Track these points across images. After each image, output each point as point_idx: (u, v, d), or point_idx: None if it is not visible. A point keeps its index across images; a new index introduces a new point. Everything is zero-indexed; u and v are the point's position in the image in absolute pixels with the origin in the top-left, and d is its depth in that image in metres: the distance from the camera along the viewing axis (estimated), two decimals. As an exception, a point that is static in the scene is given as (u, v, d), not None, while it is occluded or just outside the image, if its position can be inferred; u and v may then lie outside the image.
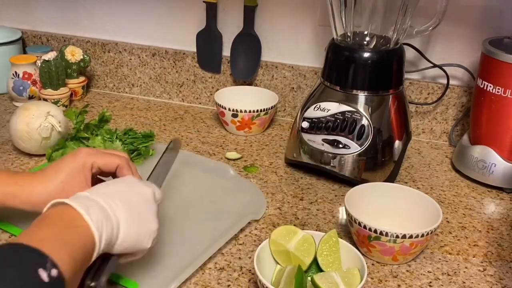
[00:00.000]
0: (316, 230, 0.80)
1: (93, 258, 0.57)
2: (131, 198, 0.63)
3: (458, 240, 0.81)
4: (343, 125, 0.89)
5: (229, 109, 1.08)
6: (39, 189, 0.69)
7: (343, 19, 0.93)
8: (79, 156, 0.71)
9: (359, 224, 0.72)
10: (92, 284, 0.59)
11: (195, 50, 1.23)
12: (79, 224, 0.56)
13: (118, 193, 0.63)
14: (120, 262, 0.63)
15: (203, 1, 1.17)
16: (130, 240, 0.61)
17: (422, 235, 0.71)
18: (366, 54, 0.89)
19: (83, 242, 0.55)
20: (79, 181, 0.69)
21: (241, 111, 1.07)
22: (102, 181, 0.73)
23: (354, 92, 0.90)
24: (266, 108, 1.09)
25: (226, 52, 1.21)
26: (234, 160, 1.01)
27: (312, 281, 0.65)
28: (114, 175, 0.73)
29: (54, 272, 0.49)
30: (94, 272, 0.59)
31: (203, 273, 0.71)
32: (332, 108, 0.91)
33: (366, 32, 0.95)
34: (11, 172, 0.81)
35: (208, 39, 1.20)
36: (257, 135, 1.12)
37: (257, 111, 1.08)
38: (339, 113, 0.90)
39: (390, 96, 0.91)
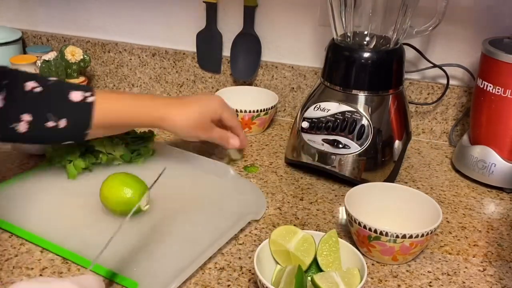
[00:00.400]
0: (316, 230, 0.80)
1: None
2: None
3: (458, 240, 0.81)
4: (343, 125, 0.89)
5: None
6: (181, 118, 0.84)
7: (343, 19, 0.93)
8: (216, 101, 0.90)
9: (359, 224, 0.72)
10: None
11: (195, 50, 1.23)
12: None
13: None
14: None
15: (203, 1, 1.17)
16: None
17: (422, 235, 0.71)
18: (366, 54, 0.89)
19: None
20: (208, 121, 0.88)
21: (241, 111, 1.07)
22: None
23: (354, 92, 0.90)
24: (266, 108, 1.09)
25: (226, 52, 1.21)
26: (234, 160, 1.01)
27: (312, 281, 0.65)
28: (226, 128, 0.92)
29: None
30: None
31: (203, 273, 0.71)
32: (332, 108, 0.91)
33: (366, 32, 0.95)
34: (156, 96, 1.00)
35: (208, 39, 1.20)
36: (257, 135, 1.12)
37: (257, 111, 1.08)
38: (339, 113, 0.90)
39: (390, 96, 0.91)
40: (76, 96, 0.77)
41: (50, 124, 0.76)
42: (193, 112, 0.86)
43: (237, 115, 1.08)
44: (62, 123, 0.76)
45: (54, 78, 0.81)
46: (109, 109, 0.80)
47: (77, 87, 0.79)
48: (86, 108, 0.77)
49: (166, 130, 0.89)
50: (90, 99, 0.78)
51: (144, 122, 0.84)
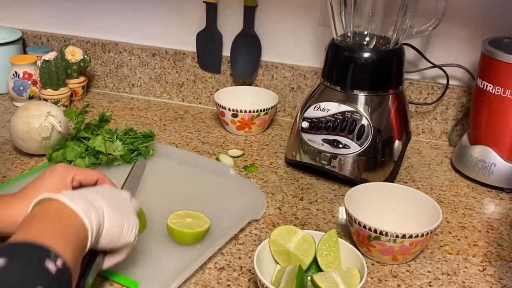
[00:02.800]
0: (316, 230, 0.80)
1: (88, 246, 0.57)
2: (111, 196, 0.65)
3: (458, 240, 0.82)
4: (343, 125, 0.89)
5: (229, 109, 1.08)
6: (21, 209, 0.66)
7: (343, 19, 0.93)
8: (58, 170, 0.71)
9: (359, 224, 0.72)
10: (80, 284, 0.59)
11: (195, 50, 1.23)
12: (69, 215, 0.57)
13: (99, 191, 0.65)
14: (105, 265, 0.64)
15: (203, 1, 1.17)
16: (114, 232, 0.61)
17: (422, 235, 0.71)
18: (366, 54, 0.89)
19: (76, 231, 0.56)
20: None
21: (241, 111, 1.07)
22: None
23: (354, 92, 0.90)
24: (266, 108, 1.09)
25: (226, 52, 1.21)
26: (236, 157, 1.02)
27: (312, 281, 0.65)
28: None
29: (59, 262, 0.50)
30: (81, 273, 0.59)
31: (203, 273, 0.71)
32: (332, 108, 0.91)
33: (366, 32, 0.95)
34: None
35: (208, 39, 1.21)
36: (257, 135, 1.12)
37: (257, 111, 1.08)
38: (339, 113, 0.90)
39: (390, 96, 0.91)
40: None
41: None
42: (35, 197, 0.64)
43: (237, 115, 1.08)
44: None
45: None
46: None
47: None
48: None
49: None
50: None
51: None
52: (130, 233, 0.63)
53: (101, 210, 0.60)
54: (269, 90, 1.17)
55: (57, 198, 0.58)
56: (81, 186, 0.73)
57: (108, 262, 0.64)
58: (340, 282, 0.63)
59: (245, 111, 1.07)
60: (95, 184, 0.74)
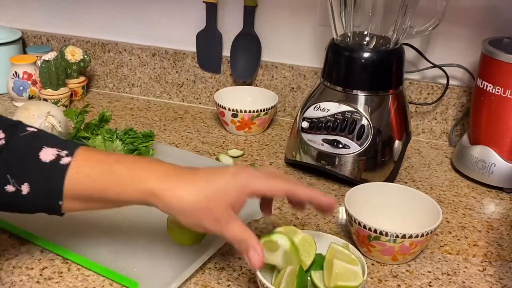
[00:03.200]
0: (316, 230, 0.80)
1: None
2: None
3: (458, 240, 0.81)
4: (343, 125, 0.89)
5: (229, 109, 1.08)
6: (181, 195, 0.59)
7: (343, 19, 0.93)
8: (241, 178, 0.61)
9: (359, 224, 0.72)
10: None
11: (195, 50, 1.23)
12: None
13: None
14: None
15: (203, 1, 1.17)
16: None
17: (422, 235, 0.71)
18: (366, 54, 0.89)
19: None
20: (225, 207, 0.60)
21: (241, 111, 1.07)
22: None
23: (354, 92, 0.90)
24: (266, 108, 1.09)
25: (226, 52, 1.21)
26: (236, 157, 1.01)
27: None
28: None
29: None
30: None
31: (203, 273, 0.71)
32: (332, 108, 0.91)
33: (366, 32, 0.95)
34: (155, 162, 0.64)
35: (208, 39, 1.21)
36: (257, 135, 1.12)
37: (257, 111, 1.08)
38: (339, 113, 0.90)
39: (390, 96, 0.91)
40: (47, 154, 0.59)
41: (10, 188, 0.59)
42: (198, 190, 0.60)
43: (237, 115, 1.08)
44: (25, 188, 0.59)
45: (35, 129, 0.63)
46: (88, 176, 0.60)
47: (56, 142, 0.61)
48: (56, 171, 0.59)
49: (165, 212, 0.61)
50: (64, 160, 0.59)
51: (129, 196, 0.60)
52: None
53: None
54: (269, 90, 1.17)
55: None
56: (264, 195, 0.64)
57: None
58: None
59: (245, 111, 1.07)
60: (284, 196, 0.65)
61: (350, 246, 0.68)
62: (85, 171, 0.60)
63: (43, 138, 0.62)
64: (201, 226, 0.61)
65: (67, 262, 0.72)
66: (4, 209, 0.61)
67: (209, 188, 0.60)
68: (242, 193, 0.61)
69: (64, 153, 0.60)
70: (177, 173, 0.61)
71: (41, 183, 0.59)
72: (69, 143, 0.62)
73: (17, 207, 0.61)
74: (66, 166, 0.59)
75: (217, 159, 1.00)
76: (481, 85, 0.93)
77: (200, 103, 1.27)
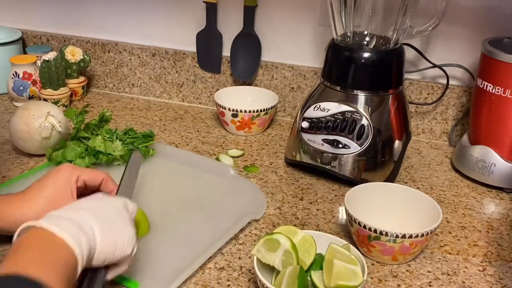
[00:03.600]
0: (316, 230, 0.80)
1: (78, 273, 0.55)
2: (102, 210, 0.62)
3: (458, 240, 0.81)
4: (343, 125, 0.89)
5: (229, 109, 1.08)
6: (26, 208, 0.68)
7: (343, 19, 0.93)
8: (64, 170, 0.72)
9: (359, 224, 0.72)
10: None
11: (195, 50, 1.23)
12: (57, 242, 0.54)
13: (89, 207, 0.62)
14: (109, 277, 0.62)
15: (203, 1, 1.17)
16: (108, 250, 0.59)
17: (422, 235, 0.71)
18: (366, 54, 0.89)
19: (65, 259, 0.53)
20: (65, 194, 0.70)
21: (241, 111, 1.07)
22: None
23: (354, 92, 0.90)
24: (266, 108, 1.09)
25: (226, 52, 1.21)
26: (236, 157, 1.01)
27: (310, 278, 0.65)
28: (97, 190, 0.74)
29: None
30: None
31: (203, 273, 0.71)
32: (332, 108, 0.91)
33: (366, 32, 0.95)
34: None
35: (208, 39, 1.20)
36: (257, 135, 1.12)
37: (257, 111, 1.08)
38: (339, 113, 0.90)
39: (390, 96, 0.91)
40: None
41: None
42: (36, 202, 0.69)
43: (237, 115, 1.08)
44: None
45: None
46: None
47: None
48: None
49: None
50: None
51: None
52: (126, 246, 0.60)
53: (92, 231, 0.58)
54: (269, 90, 1.17)
55: (44, 227, 0.55)
56: (85, 186, 0.73)
57: (111, 274, 0.62)
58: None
59: (245, 111, 1.07)
60: (99, 184, 0.74)
61: (351, 246, 0.67)
62: None
63: None
64: None
65: (67, 262, 0.72)
66: None
67: (44, 192, 0.69)
68: (70, 183, 0.71)
69: None
70: (13, 196, 0.70)
71: None
72: None
73: None
74: None
75: (217, 159, 1.00)
76: (481, 85, 0.93)
77: (200, 103, 1.27)
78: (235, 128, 1.10)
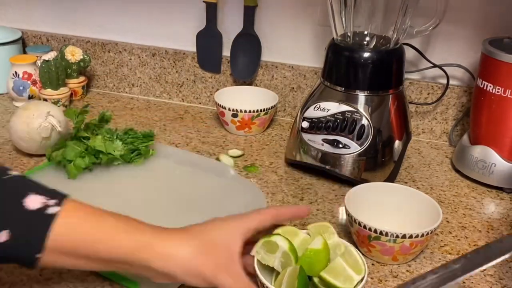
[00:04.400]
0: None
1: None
2: None
3: (458, 240, 0.81)
4: (343, 125, 0.89)
5: (229, 109, 1.08)
6: (180, 246, 0.57)
7: (343, 19, 0.93)
8: (238, 242, 0.60)
9: (359, 224, 0.72)
10: None
11: (195, 50, 1.23)
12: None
13: None
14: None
15: (203, 1, 1.17)
16: None
17: (422, 235, 0.71)
18: (366, 54, 0.89)
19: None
20: (231, 261, 0.59)
21: (241, 111, 1.07)
22: None
23: (354, 92, 0.90)
24: (266, 108, 1.09)
25: (226, 52, 1.21)
26: (236, 157, 1.01)
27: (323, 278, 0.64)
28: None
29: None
30: None
31: (203, 273, 0.71)
32: (332, 108, 0.91)
33: (366, 32, 0.95)
34: (146, 223, 0.61)
35: (208, 39, 1.20)
36: (257, 135, 1.12)
37: (257, 111, 1.08)
38: (339, 113, 0.90)
39: (390, 96, 0.91)
40: (34, 201, 0.55)
41: None
42: (204, 241, 0.58)
43: (237, 115, 1.08)
44: (3, 236, 0.54)
45: (19, 173, 0.59)
46: (77, 227, 0.56)
47: (43, 190, 0.58)
48: (41, 221, 0.55)
49: (157, 272, 0.58)
50: (52, 210, 0.55)
51: (124, 251, 0.57)
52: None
53: None
54: (269, 90, 1.17)
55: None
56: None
57: None
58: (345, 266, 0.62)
59: (245, 111, 1.07)
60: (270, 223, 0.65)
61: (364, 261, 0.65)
62: (76, 222, 0.56)
63: (29, 182, 0.58)
64: (200, 276, 0.57)
65: (67, 262, 0.72)
66: None
67: (211, 239, 0.58)
68: (238, 234, 0.61)
69: (52, 202, 0.56)
70: (172, 230, 0.60)
71: (23, 232, 0.54)
72: (58, 192, 0.58)
73: None
74: (54, 215, 0.55)
75: (217, 159, 1.00)
76: (481, 85, 0.93)
77: (200, 103, 1.27)
78: (235, 128, 1.10)
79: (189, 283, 0.58)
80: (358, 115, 0.89)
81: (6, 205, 0.55)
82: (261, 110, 1.08)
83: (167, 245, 0.57)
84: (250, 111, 1.07)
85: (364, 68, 0.89)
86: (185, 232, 0.59)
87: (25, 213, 0.54)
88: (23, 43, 1.33)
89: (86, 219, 0.57)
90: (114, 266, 0.58)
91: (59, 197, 0.57)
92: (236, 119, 1.08)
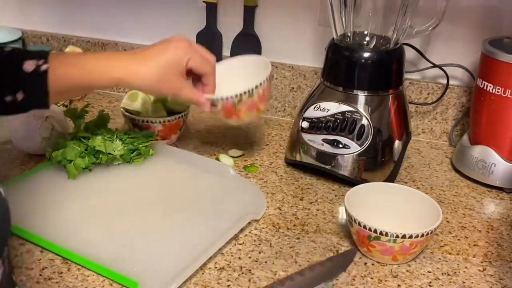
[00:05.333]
0: (316, 230, 0.80)
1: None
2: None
3: (458, 240, 0.81)
4: (343, 125, 0.89)
5: (207, 99, 0.86)
6: (142, 76, 0.78)
7: (343, 19, 0.93)
8: (180, 49, 0.81)
9: (359, 224, 0.72)
10: None
11: (195, 50, 1.22)
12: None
13: None
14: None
15: (203, 1, 1.17)
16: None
17: (422, 235, 0.71)
18: (366, 54, 0.89)
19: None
20: (176, 72, 0.80)
21: (217, 100, 0.88)
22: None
23: (354, 92, 0.90)
24: (248, 91, 0.87)
25: (226, 52, 1.21)
26: (236, 157, 1.01)
27: None
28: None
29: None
30: None
31: (203, 273, 0.71)
32: (332, 108, 0.91)
33: (366, 32, 0.95)
34: (116, 54, 0.89)
35: (208, 39, 1.20)
36: (257, 135, 1.12)
37: (236, 96, 0.87)
38: (339, 113, 0.90)
39: (390, 96, 0.91)
40: (29, 65, 0.72)
41: (8, 98, 0.73)
42: (153, 67, 0.79)
43: (216, 105, 0.88)
44: (20, 96, 0.73)
45: (10, 48, 0.76)
46: (64, 75, 0.75)
47: (32, 55, 0.74)
48: (39, 78, 0.73)
49: (132, 89, 0.94)
50: (43, 68, 0.73)
51: (102, 84, 0.79)
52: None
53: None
54: (258, 57, 1.01)
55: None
56: (190, 71, 0.83)
57: None
58: None
59: (222, 99, 0.88)
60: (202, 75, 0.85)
61: None
62: (63, 71, 0.74)
63: (20, 52, 0.76)
64: (161, 93, 0.87)
65: (67, 262, 0.72)
66: (3, 114, 0.76)
67: (157, 65, 0.79)
68: (178, 66, 0.81)
69: (41, 61, 0.72)
70: (134, 57, 0.80)
71: (31, 89, 0.73)
72: (42, 52, 0.74)
73: (15, 111, 0.76)
74: (46, 72, 0.72)
75: (217, 159, 1.00)
76: (481, 85, 0.93)
77: (200, 103, 1.26)
78: (224, 117, 0.92)
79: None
80: (358, 115, 0.89)
81: (12, 73, 0.73)
82: (241, 95, 0.87)
83: (134, 78, 0.79)
84: (227, 98, 0.87)
85: (364, 68, 0.89)
86: (144, 61, 0.80)
87: (27, 75, 0.72)
88: (23, 43, 1.33)
89: (69, 69, 0.75)
90: (104, 89, 0.93)
91: (45, 56, 0.73)
92: (218, 109, 0.89)
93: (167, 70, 0.80)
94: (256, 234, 0.80)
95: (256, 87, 0.88)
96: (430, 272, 0.74)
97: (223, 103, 0.88)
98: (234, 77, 0.92)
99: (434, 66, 1.07)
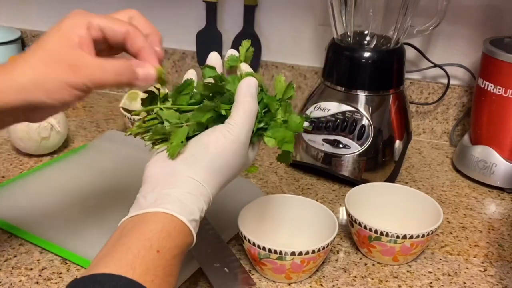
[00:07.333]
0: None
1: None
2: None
3: (459, 240, 0.81)
4: (343, 125, 0.89)
5: None
6: (17, 74, 0.52)
7: (344, 18, 0.93)
8: (70, 15, 0.57)
9: (360, 224, 0.72)
10: None
11: (195, 49, 1.22)
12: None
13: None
14: None
15: (203, 1, 1.17)
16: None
17: (423, 236, 0.70)
18: (367, 54, 0.89)
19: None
20: (71, 44, 0.54)
21: None
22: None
23: (355, 92, 0.90)
24: None
25: (226, 51, 1.20)
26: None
27: None
28: (123, 48, 0.59)
29: None
30: None
31: (203, 273, 0.71)
32: (332, 108, 0.90)
33: (366, 32, 0.94)
34: None
35: (208, 39, 1.20)
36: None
37: None
38: (340, 113, 0.90)
39: (391, 96, 0.91)
40: None
41: None
42: (34, 55, 0.54)
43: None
44: None
45: None
46: None
47: None
48: None
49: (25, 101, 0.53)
50: None
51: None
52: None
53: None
54: None
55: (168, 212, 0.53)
56: (105, 39, 0.58)
57: None
58: None
59: None
60: (123, 39, 0.59)
61: None
62: None
63: None
64: (64, 87, 0.52)
65: (66, 263, 0.72)
66: None
67: (39, 51, 0.53)
68: (80, 28, 0.55)
69: None
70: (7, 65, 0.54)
71: None
72: None
73: None
74: None
75: (217, 159, 1.00)
76: (482, 85, 0.93)
77: (200, 103, 1.26)
78: None
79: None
80: (359, 115, 0.89)
81: None
82: None
83: (7, 80, 0.53)
84: None
85: (364, 68, 0.89)
86: (20, 61, 0.54)
87: None
88: (22, 43, 1.33)
89: None
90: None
91: None
92: None
93: (58, 48, 0.54)
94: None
95: None
96: (430, 272, 0.74)
97: None
98: None
99: (435, 66, 1.06)
